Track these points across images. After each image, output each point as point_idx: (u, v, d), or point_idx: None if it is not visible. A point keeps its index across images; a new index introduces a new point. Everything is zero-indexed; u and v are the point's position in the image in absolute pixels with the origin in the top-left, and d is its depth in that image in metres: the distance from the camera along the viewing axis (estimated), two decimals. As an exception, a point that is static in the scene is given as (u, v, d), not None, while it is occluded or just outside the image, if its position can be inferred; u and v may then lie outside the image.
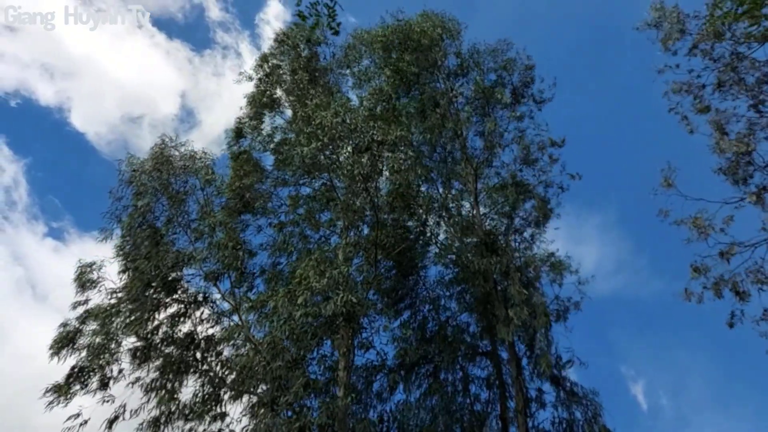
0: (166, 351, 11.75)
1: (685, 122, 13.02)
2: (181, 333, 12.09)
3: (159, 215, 13.16)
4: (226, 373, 11.64)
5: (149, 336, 11.71)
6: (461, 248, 14.68)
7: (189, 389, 11.40)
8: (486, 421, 13.23)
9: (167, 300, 12.22)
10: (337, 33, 5.81)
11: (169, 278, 12.21)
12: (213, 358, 12.03)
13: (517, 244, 15.38)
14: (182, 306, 12.32)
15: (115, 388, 11.29)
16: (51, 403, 10.57)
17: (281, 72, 16.46)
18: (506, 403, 13.06)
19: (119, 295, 12.08)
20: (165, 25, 43.45)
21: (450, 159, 16.56)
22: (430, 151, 16.58)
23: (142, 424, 10.82)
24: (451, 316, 14.88)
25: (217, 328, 12.33)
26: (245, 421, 10.66)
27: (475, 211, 15.74)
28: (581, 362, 13.09)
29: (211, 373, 11.57)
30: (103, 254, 12.91)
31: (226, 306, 12.44)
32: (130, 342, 11.66)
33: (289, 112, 16.40)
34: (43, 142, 37.43)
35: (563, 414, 12.85)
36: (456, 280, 15.11)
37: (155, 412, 10.89)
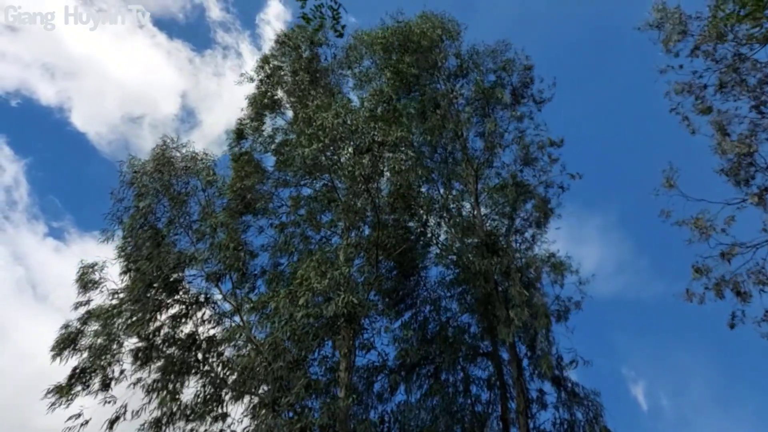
0: (168, 352, 11.77)
1: (686, 123, 13.03)
2: (183, 334, 12.11)
3: (160, 216, 13.19)
4: (228, 373, 11.65)
5: (151, 337, 11.73)
6: (462, 249, 14.69)
7: (190, 390, 11.44)
8: (487, 422, 13.23)
9: (169, 301, 12.25)
10: (341, 35, 5.80)
11: (171, 279, 12.23)
12: (214, 359, 12.05)
13: (517, 244, 15.40)
14: (184, 307, 12.34)
15: (117, 389, 11.34)
16: (53, 404, 10.60)
17: (282, 73, 16.48)
18: (507, 404, 13.06)
19: (121, 295, 12.12)
20: (166, 25, 43.55)
21: (451, 159, 16.57)
22: (430, 151, 16.59)
23: (143, 424, 10.84)
24: (451, 317, 14.88)
25: (219, 328, 12.36)
26: (246, 421, 10.70)
27: (475, 212, 15.74)
28: (585, 361, 13.04)
29: (213, 374, 11.59)
30: (104, 255, 12.97)
31: (227, 307, 12.48)
32: (131, 343, 11.70)
33: (290, 113, 16.43)
34: (43, 141, 37.51)
35: (564, 415, 12.86)
36: (457, 280, 15.12)
37: (157, 413, 10.91)
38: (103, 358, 11.28)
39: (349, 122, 12.04)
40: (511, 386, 13.18)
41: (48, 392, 10.76)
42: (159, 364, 11.59)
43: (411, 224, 14.92)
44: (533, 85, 17.42)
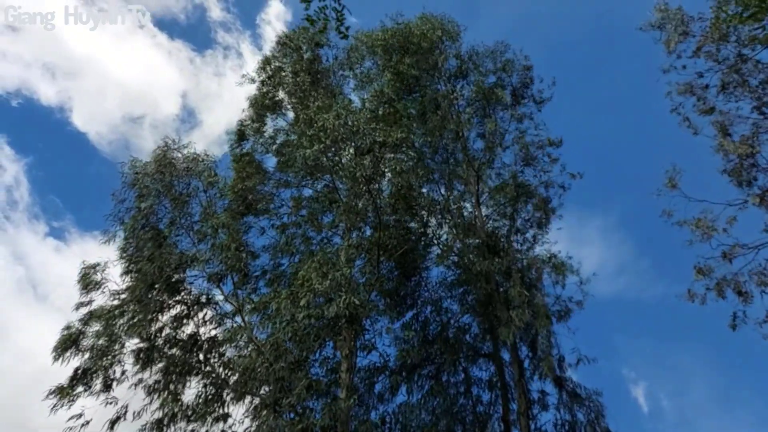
0: (169, 352, 11.79)
1: (687, 123, 13.01)
2: (184, 334, 12.13)
3: (162, 217, 13.23)
4: (229, 374, 11.66)
5: (152, 337, 11.75)
6: (463, 250, 14.69)
7: (192, 391, 11.45)
8: (488, 423, 13.22)
9: (170, 301, 12.27)
10: (346, 37, 5.78)
11: (173, 280, 12.26)
12: (216, 360, 12.07)
13: (519, 245, 15.39)
14: (185, 307, 12.36)
15: (118, 390, 11.36)
16: (55, 406, 10.63)
17: (283, 74, 16.49)
18: (508, 405, 13.04)
19: (122, 296, 12.15)
20: (167, 25, 43.62)
21: (452, 160, 16.57)
22: (431, 152, 16.59)
23: (145, 425, 10.85)
24: (453, 318, 14.88)
25: (220, 329, 12.39)
26: (247, 422, 10.70)
27: (477, 213, 15.74)
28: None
29: (214, 375, 11.61)
30: (105, 255, 13.01)
31: (228, 307, 12.51)
32: (133, 343, 11.73)
33: (291, 114, 16.44)
34: (44, 141, 37.61)
35: (566, 416, 12.85)
36: (458, 281, 15.11)
37: (158, 414, 10.93)
38: (104, 358, 11.31)
39: (350, 123, 12.05)
40: (512, 387, 13.16)
41: (50, 393, 10.79)
42: (160, 364, 11.61)
43: (412, 225, 14.92)
44: (533, 85, 17.45)
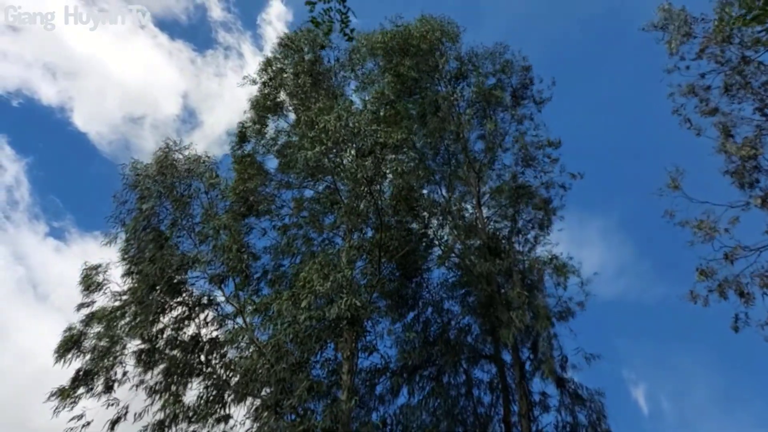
0: (171, 354, 11.81)
1: (688, 124, 12.97)
2: (186, 336, 12.16)
3: (163, 219, 13.26)
4: (230, 375, 11.68)
5: (154, 339, 11.78)
6: (464, 251, 14.68)
7: (193, 392, 11.47)
8: (489, 424, 13.21)
9: (172, 303, 12.29)
10: (351, 39, 5.77)
11: (174, 281, 12.28)
12: (217, 361, 12.09)
13: (520, 246, 15.36)
14: (187, 309, 12.38)
15: (120, 391, 11.38)
16: (56, 408, 10.65)
17: (285, 76, 16.50)
18: (510, 406, 13.03)
19: (124, 297, 12.17)
20: (168, 25, 43.71)
21: (453, 161, 16.56)
22: (432, 154, 16.59)
23: (146, 426, 10.87)
24: (454, 319, 14.87)
25: (221, 330, 12.42)
26: (249, 423, 10.72)
27: (478, 214, 15.73)
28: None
29: (215, 376, 11.62)
30: (106, 256, 13.03)
31: (230, 309, 12.52)
32: (134, 345, 11.75)
33: (292, 116, 16.45)
34: (44, 141, 37.69)
35: (567, 418, 12.83)
36: (459, 282, 15.09)
37: (160, 415, 10.94)
38: (106, 360, 11.33)
39: (351, 125, 12.04)
40: (513, 389, 13.15)
41: (51, 395, 10.81)
42: (162, 366, 11.63)
43: (413, 226, 14.92)
44: (533, 86, 17.45)
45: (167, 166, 13.46)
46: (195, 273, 12.54)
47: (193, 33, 41.37)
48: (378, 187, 12.66)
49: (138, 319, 11.65)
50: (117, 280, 12.47)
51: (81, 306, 12.20)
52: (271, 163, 16.03)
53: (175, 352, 11.86)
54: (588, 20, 34.44)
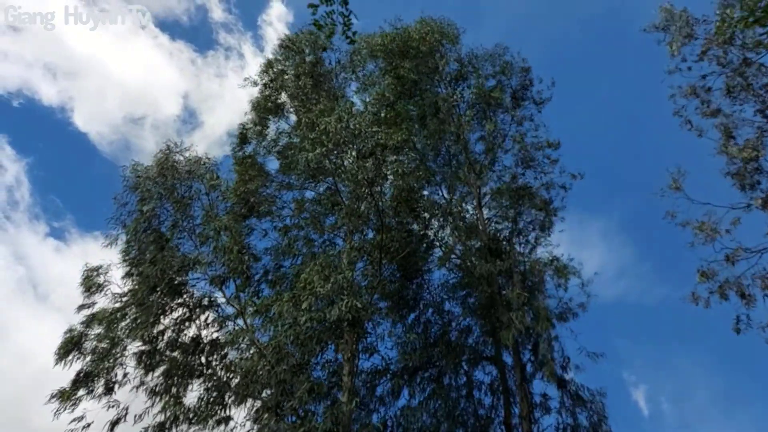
0: (171, 355, 11.81)
1: (689, 126, 12.96)
2: (186, 337, 12.15)
3: (164, 220, 13.26)
4: (231, 377, 11.67)
5: (154, 340, 11.77)
6: (465, 252, 14.67)
7: (194, 393, 11.46)
8: (490, 426, 13.20)
9: (172, 304, 12.29)
10: (353, 42, 5.75)
11: (175, 282, 12.28)
12: (218, 362, 12.08)
13: (521, 247, 15.35)
14: (187, 310, 12.38)
15: (120, 393, 11.37)
16: (57, 410, 10.64)
17: (286, 77, 16.51)
18: (510, 408, 13.01)
19: (124, 299, 12.17)
20: (169, 26, 43.75)
21: (454, 162, 16.57)
22: (433, 155, 16.59)
23: (146, 428, 10.86)
24: (454, 321, 14.86)
25: (222, 332, 12.40)
26: (249, 425, 10.71)
27: (478, 215, 15.72)
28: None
29: (216, 378, 11.61)
30: (106, 257, 13.01)
31: (230, 310, 12.51)
32: (135, 346, 11.74)
33: (293, 117, 16.45)
34: (45, 141, 37.72)
35: (568, 419, 12.81)
36: (460, 284, 15.09)
37: (160, 417, 10.94)
38: (106, 361, 11.32)
39: (351, 126, 12.04)
40: (514, 390, 13.13)
41: (51, 397, 10.81)
42: (162, 367, 11.62)
43: (414, 227, 14.91)
44: (532, 87, 17.45)
45: (168, 168, 13.46)
46: (196, 274, 12.56)
47: (193, 33, 41.43)
48: (379, 188, 12.66)
49: (139, 320, 11.65)
50: (118, 281, 12.49)
51: (81, 307, 12.20)
52: (272, 165, 16.05)
53: (175, 353, 11.86)
54: (588, 20, 34.43)
